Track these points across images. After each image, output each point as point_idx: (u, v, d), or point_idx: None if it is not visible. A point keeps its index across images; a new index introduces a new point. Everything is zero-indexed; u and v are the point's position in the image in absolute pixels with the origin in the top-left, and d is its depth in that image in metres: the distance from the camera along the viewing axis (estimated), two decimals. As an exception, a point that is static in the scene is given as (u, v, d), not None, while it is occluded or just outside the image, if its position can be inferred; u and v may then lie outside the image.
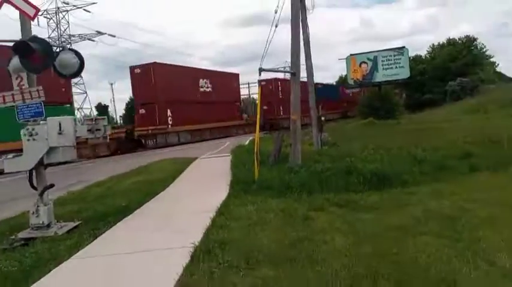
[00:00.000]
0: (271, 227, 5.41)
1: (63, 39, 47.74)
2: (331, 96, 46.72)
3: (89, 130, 6.35)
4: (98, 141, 6.81)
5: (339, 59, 33.50)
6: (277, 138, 11.47)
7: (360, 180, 8.27)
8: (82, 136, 6.37)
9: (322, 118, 17.03)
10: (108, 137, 6.84)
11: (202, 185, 9.11)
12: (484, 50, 60.62)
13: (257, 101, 10.32)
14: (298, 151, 10.46)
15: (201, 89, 31.03)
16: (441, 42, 61.95)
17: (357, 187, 8.11)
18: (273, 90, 36.55)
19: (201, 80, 31.07)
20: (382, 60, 29.46)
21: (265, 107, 34.99)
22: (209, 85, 31.66)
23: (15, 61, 6.08)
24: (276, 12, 10.13)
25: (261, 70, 10.78)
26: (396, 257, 4.32)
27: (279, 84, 37.46)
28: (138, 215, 6.65)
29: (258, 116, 10.38)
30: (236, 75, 37.34)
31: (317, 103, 15.82)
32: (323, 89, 39.53)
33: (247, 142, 18.44)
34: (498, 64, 68.33)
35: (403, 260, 4.25)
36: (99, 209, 7.30)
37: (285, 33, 11.03)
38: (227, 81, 34.53)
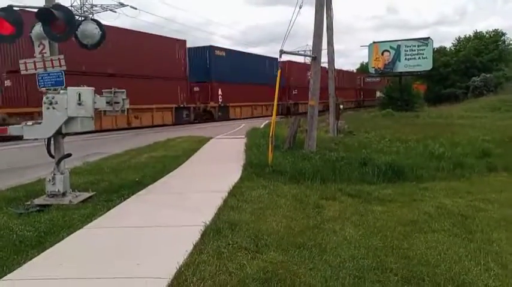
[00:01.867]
0: (281, 212, 5.41)
1: (85, 9, 47.78)
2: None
3: (107, 102, 6.38)
4: (116, 114, 6.82)
5: (361, 46, 33.05)
6: (293, 123, 11.40)
7: (374, 171, 8.21)
8: (100, 108, 6.40)
9: (341, 106, 16.85)
10: (126, 111, 6.85)
11: (216, 166, 9.15)
12: (512, 45, 58.88)
13: (276, 85, 10.16)
14: (314, 138, 10.40)
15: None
16: (467, 35, 60.31)
17: (371, 178, 8.07)
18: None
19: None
20: (405, 50, 28.83)
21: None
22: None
23: (38, 28, 6.11)
24: (300, -7, 9.92)
25: (281, 52, 10.63)
26: (406, 252, 4.30)
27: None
28: (151, 190, 6.73)
29: (276, 100, 10.29)
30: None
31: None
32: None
33: (262, 125, 18.41)
34: (525, 61, 66.43)
35: (412, 255, 4.22)
36: (114, 181, 7.40)
37: (307, 16, 10.84)
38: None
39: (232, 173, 7.73)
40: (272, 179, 7.49)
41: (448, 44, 63.68)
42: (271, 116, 10.20)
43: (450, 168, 9.21)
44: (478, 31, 59.65)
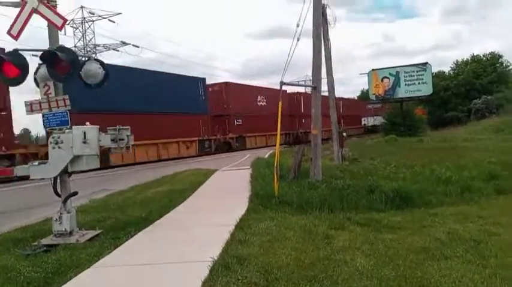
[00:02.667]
0: (290, 244, 5.33)
1: (88, 49, 48.99)
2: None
3: (112, 140, 6.43)
4: (121, 151, 6.88)
5: (360, 74, 33.68)
6: (297, 153, 11.40)
7: (382, 199, 8.15)
8: (105, 145, 6.45)
9: (344, 134, 16.89)
10: (131, 147, 6.90)
11: (222, 198, 9.10)
12: (510, 67, 59.54)
13: (278, 115, 10.25)
14: (319, 166, 10.37)
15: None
16: (465, 59, 61.12)
17: (379, 205, 8.00)
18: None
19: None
20: (404, 76, 29.07)
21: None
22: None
23: (43, 70, 6.25)
24: (297, 26, 10.12)
25: (282, 83, 10.79)
26: (420, 281, 4.20)
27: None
28: (158, 227, 6.66)
29: (279, 129, 10.34)
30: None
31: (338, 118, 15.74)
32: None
33: (266, 155, 18.41)
34: (525, 83, 66.96)
35: (426, 284, 4.13)
36: (120, 218, 7.36)
37: (306, 46, 11.05)
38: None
39: (239, 206, 7.67)
40: (279, 210, 7.43)
41: (447, 68, 64.42)
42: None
43: (458, 192, 9.14)
44: (475, 54, 60.61)
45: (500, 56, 58.74)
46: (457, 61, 62.43)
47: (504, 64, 58.42)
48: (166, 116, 24.48)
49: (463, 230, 6.15)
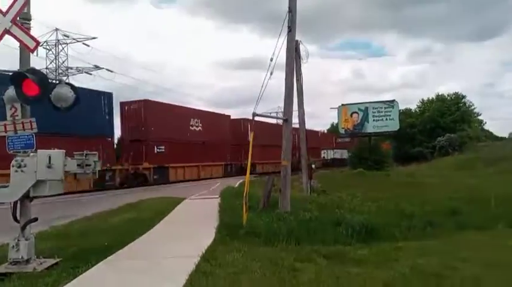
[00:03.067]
0: (256, 276, 5.27)
1: (60, 71, 48.26)
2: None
3: (78, 165, 6.29)
4: (87, 176, 6.74)
5: (331, 108, 34.37)
6: (267, 183, 11.44)
7: (348, 232, 8.23)
8: (71, 171, 6.29)
9: (313, 166, 17.13)
10: (97, 173, 6.76)
11: (189, 228, 8.94)
12: (472, 107, 62.59)
13: (249, 146, 10.33)
14: (288, 198, 10.42)
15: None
16: (430, 98, 63.89)
17: (345, 238, 8.06)
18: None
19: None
20: (372, 112, 30.01)
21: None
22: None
23: (11, 91, 6.11)
24: (271, 60, 10.38)
25: (254, 115, 10.94)
26: (383, 316, 4.22)
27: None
28: (120, 256, 6.46)
29: (249, 160, 10.38)
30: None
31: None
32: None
33: (237, 184, 18.35)
34: (485, 122, 70.49)
35: (389, 319, 4.15)
36: (82, 246, 7.10)
37: (279, 78, 11.30)
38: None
39: (206, 236, 7.56)
40: (246, 241, 7.36)
41: (413, 106, 67.11)
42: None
43: (422, 227, 9.34)
44: (440, 94, 63.50)
45: (464, 97, 61.87)
46: (422, 99, 65.32)
47: (467, 104, 61.39)
48: (51, 137, 15.37)
49: (426, 265, 6.26)
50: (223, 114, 37.22)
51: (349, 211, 10.50)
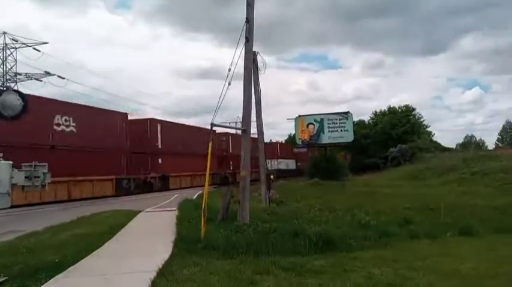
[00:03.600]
0: (215, 291, 5.19)
1: (8, 77, 45.95)
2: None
3: (26, 177, 5.97)
4: (36, 189, 6.41)
5: (288, 119, 34.55)
6: (226, 194, 11.35)
7: (306, 242, 8.30)
8: (18, 183, 5.96)
9: (271, 176, 17.22)
10: (46, 185, 6.43)
11: (145, 242, 8.68)
12: (422, 119, 65.55)
13: (208, 156, 10.20)
14: (247, 209, 10.38)
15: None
16: (383, 110, 66.34)
17: (303, 249, 8.12)
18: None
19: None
20: (328, 123, 30.68)
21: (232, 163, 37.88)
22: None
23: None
24: (229, 71, 10.38)
25: (212, 125, 10.84)
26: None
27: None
28: (72, 273, 6.14)
29: (208, 170, 10.27)
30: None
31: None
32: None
33: (195, 196, 18.10)
34: (434, 134, 73.94)
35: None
36: (30, 263, 6.68)
37: (238, 88, 11.30)
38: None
39: (162, 250, 7.36)
40: (205, 254, 7.26)
41: (366, 117, 69.41)
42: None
43: (377, 237, 9.60)
44: (391, 106, 66.06)
45: (413, 109, 64.62)
46: (375, 111, 67.67)
47: (417, 116, 64.22)
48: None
49: (381, 275, 6.42)
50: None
51: (307, 221, 10.61)
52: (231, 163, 38.30)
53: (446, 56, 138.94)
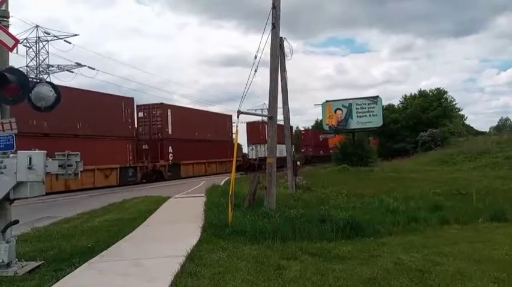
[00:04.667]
0: (242, 276, 5.27)
1: (41, 69, 47.33)
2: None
3: (60, 166, 6.19)
4: (69, 177, 6.63)
5: (315, 105, 34.19)
6: (252, 181, 11.44)
7: (333, 228, 8.28)
8: (52, 172, 6.18)
9: (298, 163, 17.20)
10: (79, 174, 6.65)
11: (174, 227, 8.90)
12: (454, 103, 63.60)
13: (234, 143, 10.28)
14: (273, 195, 10.44)
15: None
16: (413, 93, 64.66)
17: (330, 235, 8.10)
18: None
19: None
20: (356, 108, 30.27)
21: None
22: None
23: (-10, 91, 5.97)
24: (255, 57, 10.36)
25: (239, 113, 10.89)
26: (367, 313, 4.26)
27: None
28: (104, 257, 6.39)
29: (235, 157, 10.37)
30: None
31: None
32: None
33: (222, 183, 18.32)
34: (466, 117, 71.76)
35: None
36: (64, 248, 6.99)
37: (265, 75, 11.28)
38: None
39: (191, 235, 7.54)
40: (232, 240, 7.36)
41: (396, 102, 67.92)
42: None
43: (405, 222, 9.47)
44: (422, 89, 64.28)
45: (445, 92, 62.71)
46: (405, 95, 65.98)
47: (448, 99, 62.34)
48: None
49: (409, 260, 6.34)
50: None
51: (334, 207, 10.58)
52: (170, 149, 29.19)
53: (479, 36, 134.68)
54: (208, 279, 5.03)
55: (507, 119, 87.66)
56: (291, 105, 15.86)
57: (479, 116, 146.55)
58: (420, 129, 51.04)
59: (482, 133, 62.90)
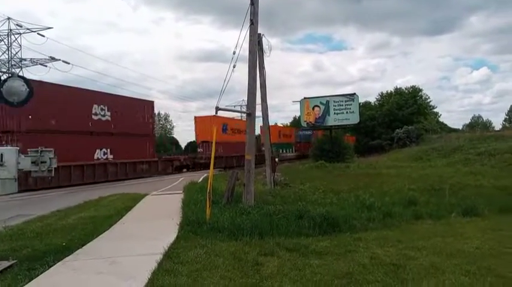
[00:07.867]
0: (219, 272, 5.28)
1: (13, 63, 45.93)
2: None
3: (33, 162, 6.04)
4: (43, 174, 6.47)
5: (293, 102, 34.36)
6: (231, 177, 11.42)
7: (310, 224, 8.36)
8: (25, 169, 6.03)
9: (276, 159, 17.26)
10: (53, 171, 6.50)
11: (151, 225, 8.81)
12: (428, 100, 65.05)
13: (212, 140, 10.24)
14: (252, 192, 10.46)
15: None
16: (389, 91, 65.84)
17: (307, 230, 8.20)
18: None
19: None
20: (334, 105, 30.52)
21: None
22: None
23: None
24: (234, 54, 10.33)
25: (217, 109, 10.84)
26: (343, 307, 4.33)
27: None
28: (79, 256, 6.27)
29: (213, 154, 10.32)
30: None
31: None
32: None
33: (200, 179, 18.23)
34: (440, 115, 73.50)
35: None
36: (38, 247, 6.82)
37: (243, 71, 11.26)
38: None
39: (168, 233, 7.48)
40: (210, 236, 7.35)
41: (372, 99, 69.07)
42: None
43: (380, 217, 9.65)
44: (398, 87, 65.51)
45: (420, 90, 64.12)
46: (381, 93, 67.24)
47: (423, 97, 63.72)
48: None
49: (384, 255, 6.47)
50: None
51: (312, 203, 10.69)
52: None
53: (453, 35, 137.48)
54: (185, 276, 5.01)
55: (479, 117, 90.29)
56: (269, 101, 15.98)
57: (453, 113, 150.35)
58: (396, 126, 52.07)
59: (456, 130, 64.60)
